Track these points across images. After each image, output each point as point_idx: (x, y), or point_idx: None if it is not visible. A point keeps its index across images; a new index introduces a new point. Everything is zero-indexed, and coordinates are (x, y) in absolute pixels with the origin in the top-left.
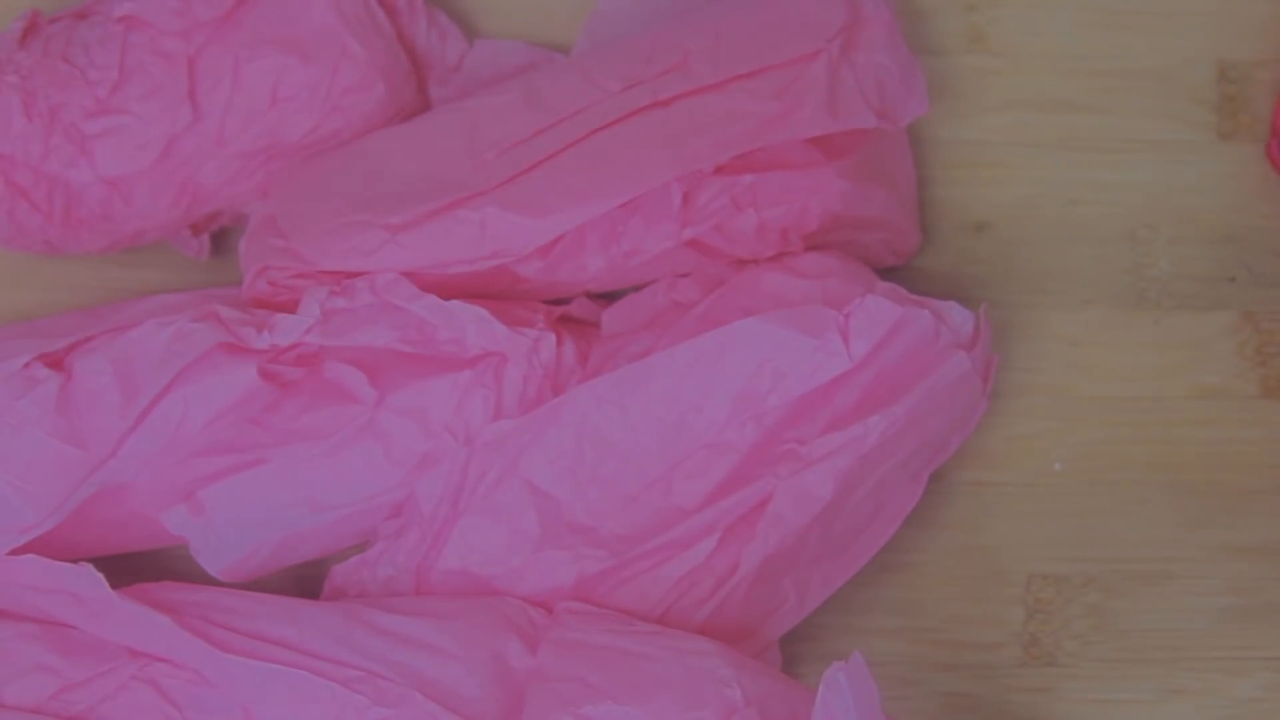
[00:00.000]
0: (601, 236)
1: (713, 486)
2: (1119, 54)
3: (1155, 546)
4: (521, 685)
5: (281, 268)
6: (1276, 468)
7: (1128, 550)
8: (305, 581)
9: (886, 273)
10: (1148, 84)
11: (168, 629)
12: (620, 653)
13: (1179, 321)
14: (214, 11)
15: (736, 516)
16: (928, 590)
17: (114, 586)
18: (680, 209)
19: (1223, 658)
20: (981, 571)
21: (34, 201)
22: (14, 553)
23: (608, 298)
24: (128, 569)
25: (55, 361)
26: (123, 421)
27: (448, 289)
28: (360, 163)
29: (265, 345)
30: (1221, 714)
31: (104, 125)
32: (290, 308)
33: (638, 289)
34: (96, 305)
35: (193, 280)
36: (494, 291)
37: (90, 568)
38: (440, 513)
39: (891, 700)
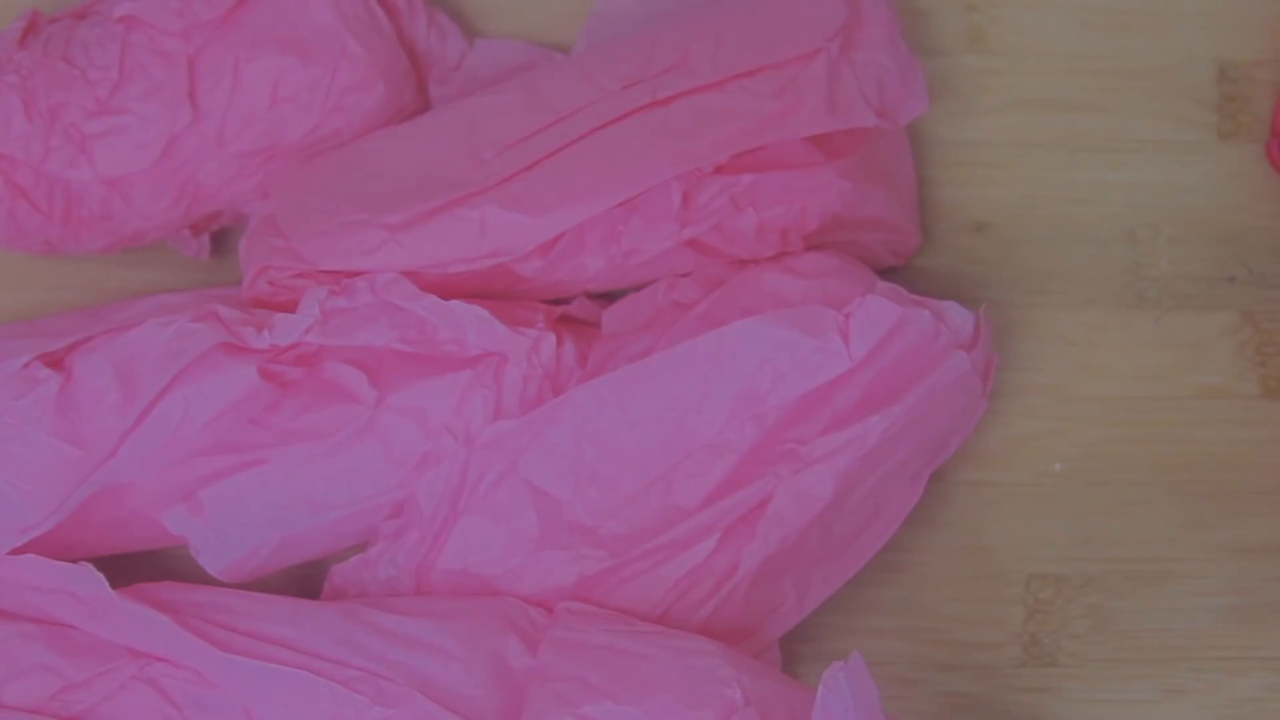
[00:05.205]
0: (601, 236)
1: (713, 486)
2: (1119, 54)
3: (1155, 546)
4: (521, 685)
5: (281, 268)
6: (1276, 468)
7: (1128, 550)
8: (305, 581)
9: (886, 273)
10: (1148, 84)
11: (168, 629)
12: (620, 653)
13: (1179, 321)
14: (214, 11)
15: (736, 516)
16: (928, 590)
17: (114, 586)
18: (680, 208)
19: (1223, 658)
20: (981, 571)
21: (34, 201)
22: (14, 553)
23: (608, 298)
24: (128, 569)
25: (55, 361)
26: (123, 421)
27: (448, 288)
28: (360, 162)
29: (265, 345)
30: (1221, 714)
31: (104, 125)
32: (290, 308)
33: (638, 289)
34: (96, 305)
35: (193, 280)
36: (494, 291)
37: (90, 568)
38: (440, 513)
39: (891, 700)
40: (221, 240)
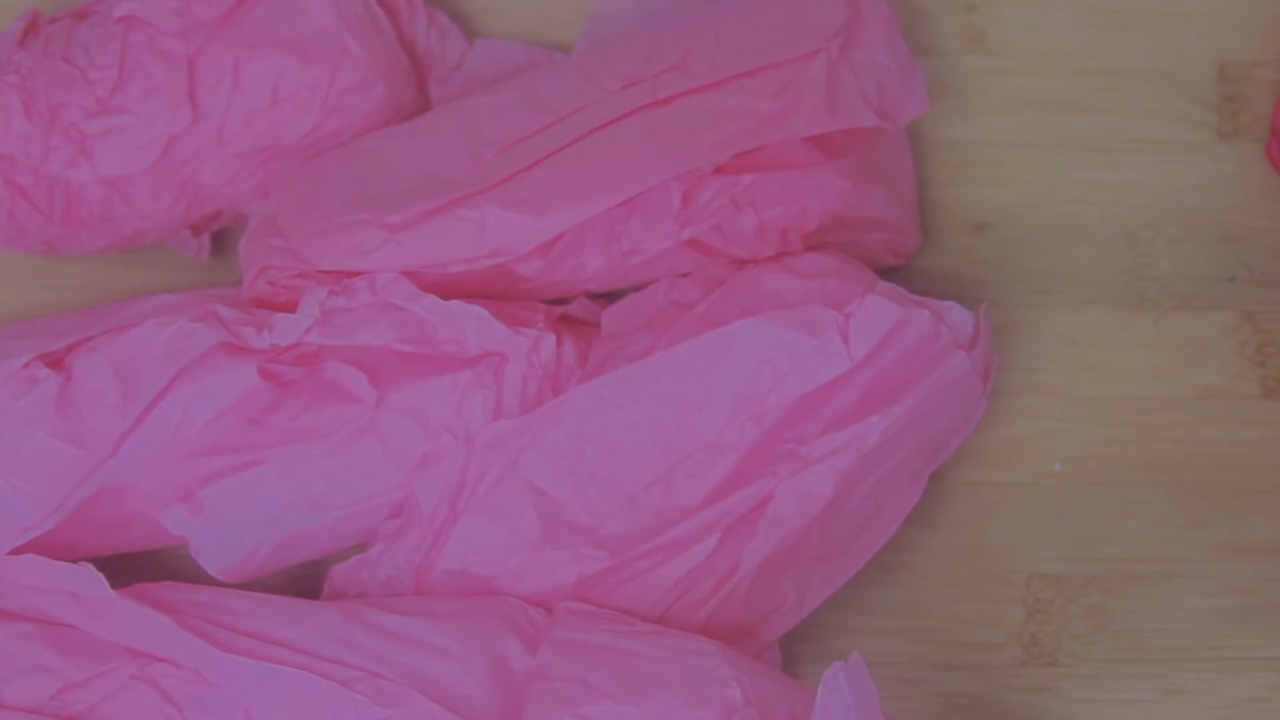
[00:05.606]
0: (601, 236)
1: (713, 486)
2: (1119, 54)
3: (1155, 546)
4: (521, 685)
5: (281, 268)
6: (1276, 468)
7: (1128, 550)
8: (305, 581)
9: (886, 273)
10: (1148, 84)
11: (168, 629)
12: (620, 652)
13: (1179, 321)
14: (214, 11)
15: (736, 516)
16: (928, 590)
17: (114, 586)
18: (680, 208)
19: (1223, 658)
20: (981, 571)
21: (34, 201)
22: (14, 553)
23: (608, 298)
24: (128, 569)
25: (55, 361)
26: (123, 421)
27: (448, 289)
28: (360, 162)
29: (265, 345)
30: (1221, 714)
31: (104, 125)
32: (290, 308)
33: (638, 289)
34: (96, 305)
35: (193, 280)
36: (494, 291)
37: (90, 568)
38: (440, 513)
39: (891, 700)
40: (221, 240)
